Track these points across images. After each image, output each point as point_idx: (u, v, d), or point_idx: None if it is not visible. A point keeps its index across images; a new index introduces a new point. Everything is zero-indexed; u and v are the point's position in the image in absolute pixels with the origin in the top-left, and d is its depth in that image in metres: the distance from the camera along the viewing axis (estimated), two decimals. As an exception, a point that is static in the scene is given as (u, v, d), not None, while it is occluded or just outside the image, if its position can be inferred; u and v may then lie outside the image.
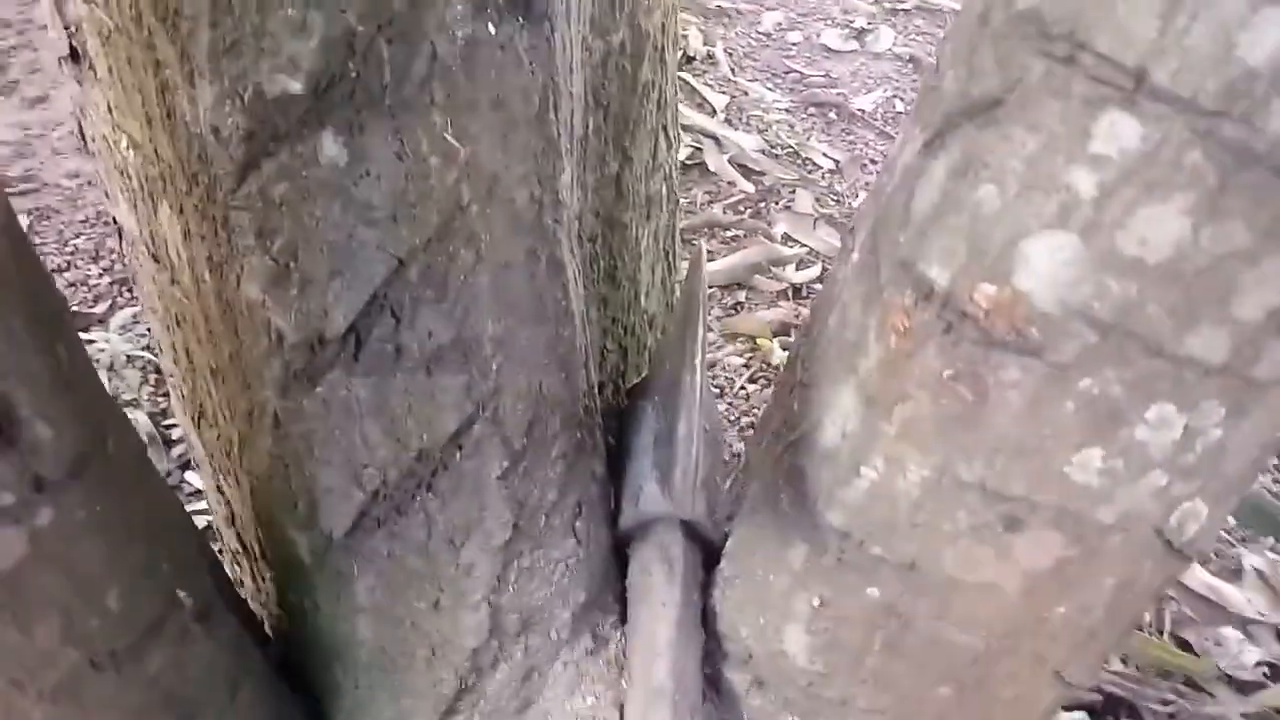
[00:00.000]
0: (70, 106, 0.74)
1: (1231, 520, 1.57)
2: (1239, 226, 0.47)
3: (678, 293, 0.86)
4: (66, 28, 0.66)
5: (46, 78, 2.25)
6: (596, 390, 0.72)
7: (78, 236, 1.88)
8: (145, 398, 1.60)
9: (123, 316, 1.71)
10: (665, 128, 0.77)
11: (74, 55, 0.68)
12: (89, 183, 2.03)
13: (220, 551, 0.86)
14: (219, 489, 0.78)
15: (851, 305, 0.64)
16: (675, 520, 0.73)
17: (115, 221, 0.76)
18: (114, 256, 1.86)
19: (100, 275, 1.82)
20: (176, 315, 0.69)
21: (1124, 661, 1.29)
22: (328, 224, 0.54)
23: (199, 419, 0.74)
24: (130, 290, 1.77)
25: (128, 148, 0.64)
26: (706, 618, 0.76)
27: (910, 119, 0.62)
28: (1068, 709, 1.22)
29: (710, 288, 1.95)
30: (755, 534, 0.71)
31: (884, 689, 0.70)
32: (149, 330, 1.66)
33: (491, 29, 0.52)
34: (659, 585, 0.72)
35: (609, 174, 0.71)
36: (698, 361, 0.67)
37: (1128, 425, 0.54)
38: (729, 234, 2.11)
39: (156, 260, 0.68)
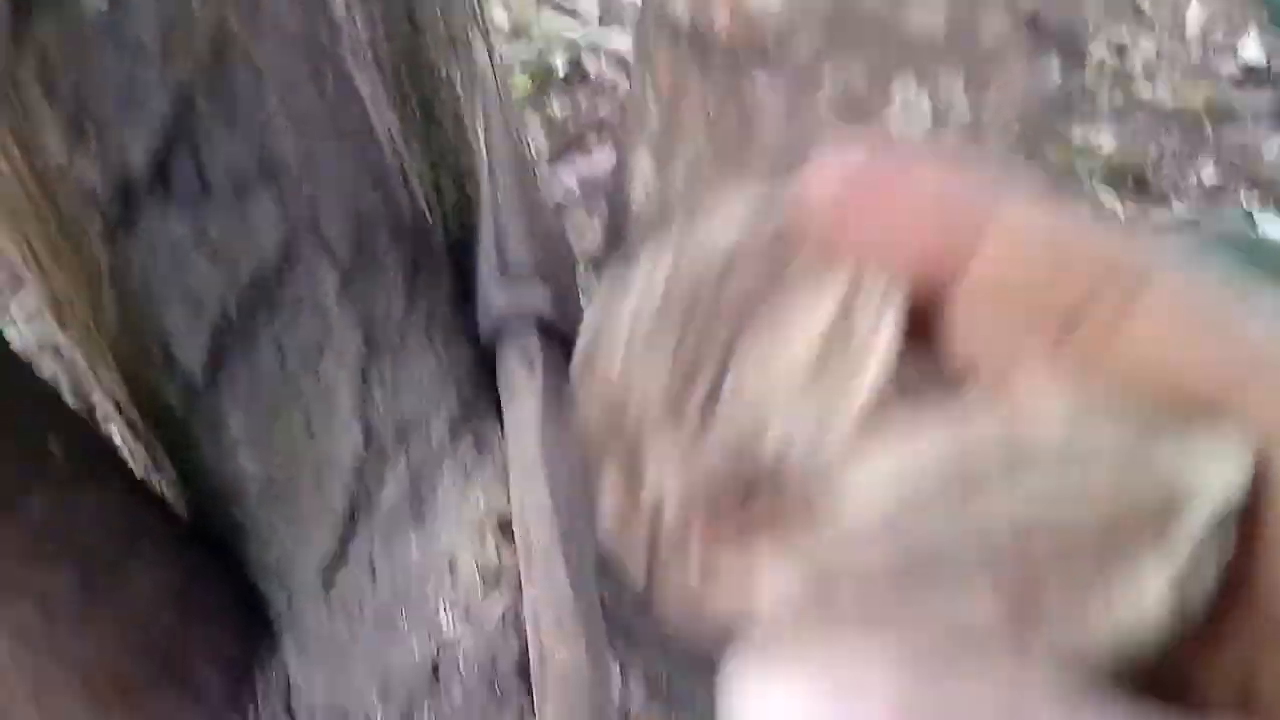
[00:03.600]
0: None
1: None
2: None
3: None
4: None
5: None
6: (428, 211, 0.76)
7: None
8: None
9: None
10: (455, -37, 0.80)
11: None
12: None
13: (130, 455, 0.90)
14: (97, 376, 0.81)
15: (636, 80, 0.69)
16: (530, 320, 0.78)
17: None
18: None
19: None
20: (10, 211, 0.72)
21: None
22: (107, 69, 0.58)
23: (60, 314, 0.78)
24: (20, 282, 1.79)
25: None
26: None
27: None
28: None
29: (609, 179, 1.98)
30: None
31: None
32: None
33: None
34: (521, 379, 0.76)
35: (396, 9, 0.74)
36: (485, 128, 0.71)
37: (880, 113, 0.59)
38: (618, 130, 2.13)
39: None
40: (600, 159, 2.02)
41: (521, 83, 2.22)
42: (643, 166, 0.68)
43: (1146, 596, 0.15)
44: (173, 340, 0.67)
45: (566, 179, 1.97)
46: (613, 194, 0.75)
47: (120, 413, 0.82)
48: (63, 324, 0.79)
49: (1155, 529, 0.16)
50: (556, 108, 2.22)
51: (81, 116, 0.59)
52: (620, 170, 0.72)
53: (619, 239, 0.72)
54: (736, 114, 0.61)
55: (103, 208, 0.63)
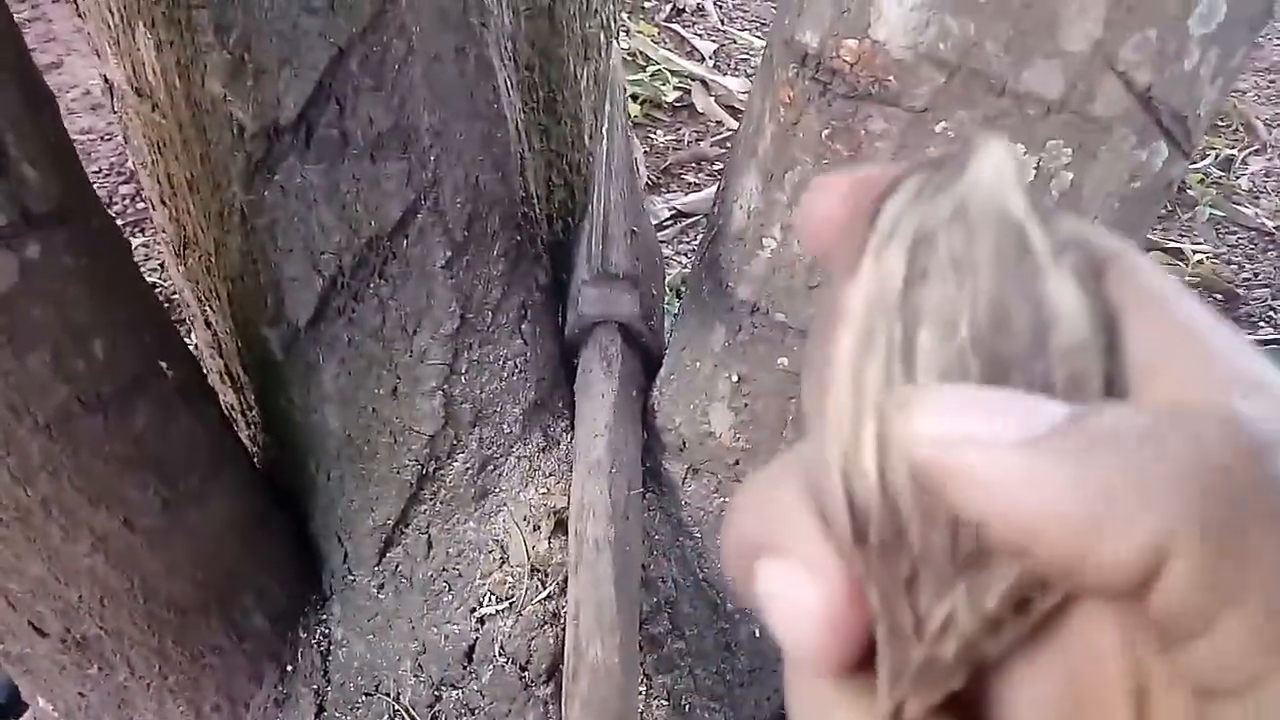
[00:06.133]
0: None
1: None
2: (1053, -44, 0.54)
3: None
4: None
5: (60, 45, 2.36)
6: (537, 203, 0.80)
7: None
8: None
9: (133, 246, 1.80)
10: (598, -27, 0.84)
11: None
12: (101, 138, 2.13)
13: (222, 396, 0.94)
14: (205, 319, 0.86)
15: (753, 100, 0.71)
16: (614, 324, 0.81)
17: (107, 81, 0.84)
18: (125, 202, 1.96)
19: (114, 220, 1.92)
20: (158, 143, 0.76)
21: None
22: (275, 15, 0.62)
23: (183, 250, 0.82)
24: (142, 229, 1.87)
25: (107, -16, 0.72)
26: (647, 418, 0.84)
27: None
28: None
29: (699, 215, 2.02)
30: (685, 330, 0.79)
31: (802, 460, 0.77)
32: (162, 265, 1.76)
33: None
34: (598, 379, 0.79)
35: (540, 5, 0.78)
36: (607, 133, 0.74)
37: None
38: (715, 167, 2.18)
39: (139, 93, 0.76)
40: (696, 196, 2.06)
41: (631, 109, 2.28)
42: (748, 185, 0.70)
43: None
44: (286, 287, 0.71)
45: (660, 209, 2.00)
46: (713, 212, 0.77)
47: (220, 354, 0.86)
48: (182, 260, 0.84)
49: None
50: (661, 137, 2.27)
51: (245, 58, 0.64)
52: (724, 188, 0.75)
53: (714, 254, 0.74)
54: (847, 147, 0.63)
55: (247, 147, 0.67)
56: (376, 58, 0.64)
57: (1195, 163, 2.38)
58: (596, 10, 0.85)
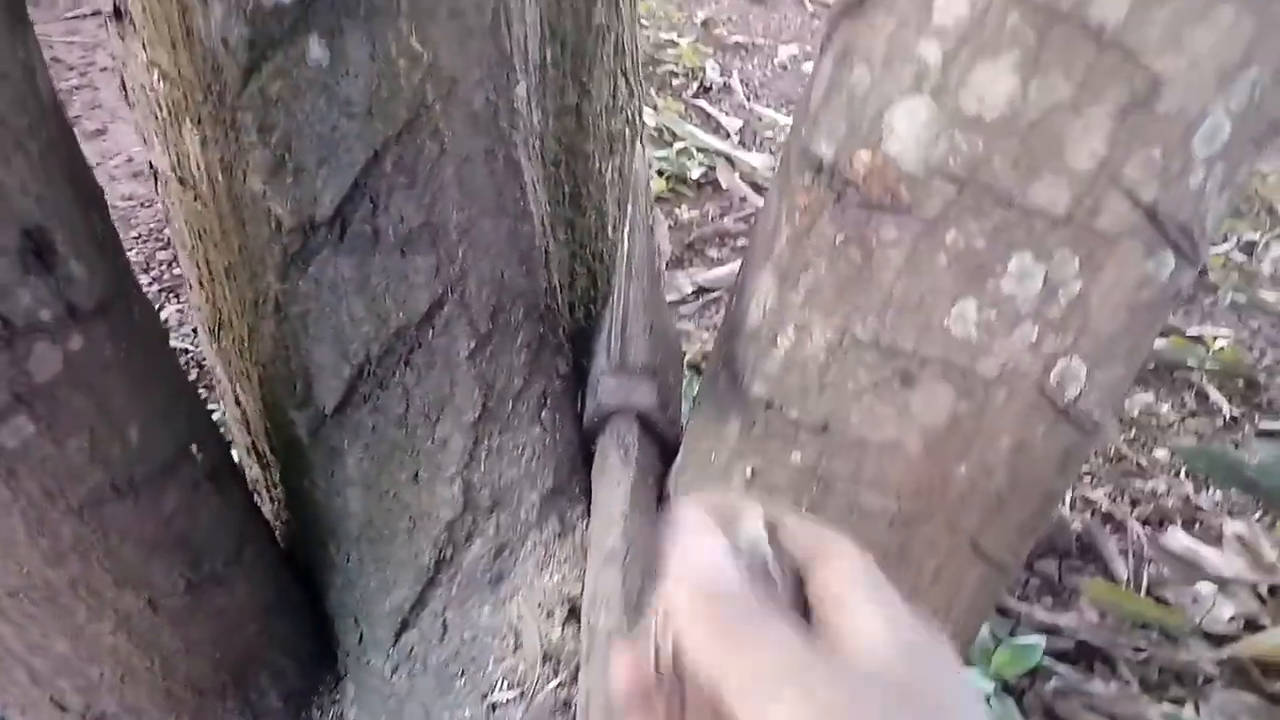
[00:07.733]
0: (118, 71, 0.86)
1: (1218, 495, 1.61)
2: (1059, 79, 0.56)
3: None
4: (110, -10, 0.79)
5: (105, 113, 2.44)
6: (560, 293, 0.82)
7: (130, 250, 2.03)
8: (186, 389, 1.72)
9: (167, 313, 1.84)
10: (625, 72, 0.87)
11: (117, 13, 0.80)
12: (142, 204, 2.19)
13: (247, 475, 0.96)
14: (235, 397, 0.88)
15: (770, 201, 0.74)
16: (631, 413, 0.82)
17: (152, 166, 0.88)
18: (162, 268, 2.01)
19: (150, 284, 1.97)
20: (198, 230, 0.79)
21: (1101, 616, 1.34)
22: (315, 117, 0.65)
23: (218, 330, 0.85)
24: (177, 295, 1.91)
25: (158, 80, 0.75)
26: (664, 505, 0.85)
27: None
28: (1050, 655, 1.27)
29: (721, 290, 2.04)
30: (701, 420, 0.80)
31: (815, 554, 0.78)
32: (194, 331, 1.80)
33: (446, -50, 0.63)
34: (614, 467, 0.80)
35: (568, 104, 0.81)
36: (629, 234, 0.77)
37: (994, 276, 0.63)
38: (739, 243, 2.21)
39: (182, 182, 0.79)
40: (719, 271, 2.09)
41: (657, 184, 2.32)
42: (764, 284, 0.72)
43: None
44: (315, 374, 0.73)
45: (683, 284, 2.03)
46: (730, 305, 0.79)
47: (248, 430, 0.88)
48: (216, 340, 0.86)
49: None
50: (685, 212, 2.31)
51: (285, 157, 0.67)
52: (741, 284, 0.77)
53: (730, 349, 0.76)
54: (860, 253, 0.65)
55: (284, 240, 0.70)
56: (410, 159, 0.67)
57: (1216, 245, 2.39)
58: (622, 107, 0.88)
